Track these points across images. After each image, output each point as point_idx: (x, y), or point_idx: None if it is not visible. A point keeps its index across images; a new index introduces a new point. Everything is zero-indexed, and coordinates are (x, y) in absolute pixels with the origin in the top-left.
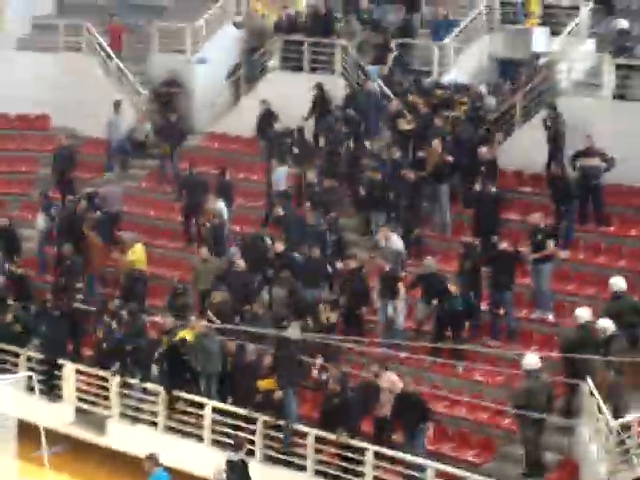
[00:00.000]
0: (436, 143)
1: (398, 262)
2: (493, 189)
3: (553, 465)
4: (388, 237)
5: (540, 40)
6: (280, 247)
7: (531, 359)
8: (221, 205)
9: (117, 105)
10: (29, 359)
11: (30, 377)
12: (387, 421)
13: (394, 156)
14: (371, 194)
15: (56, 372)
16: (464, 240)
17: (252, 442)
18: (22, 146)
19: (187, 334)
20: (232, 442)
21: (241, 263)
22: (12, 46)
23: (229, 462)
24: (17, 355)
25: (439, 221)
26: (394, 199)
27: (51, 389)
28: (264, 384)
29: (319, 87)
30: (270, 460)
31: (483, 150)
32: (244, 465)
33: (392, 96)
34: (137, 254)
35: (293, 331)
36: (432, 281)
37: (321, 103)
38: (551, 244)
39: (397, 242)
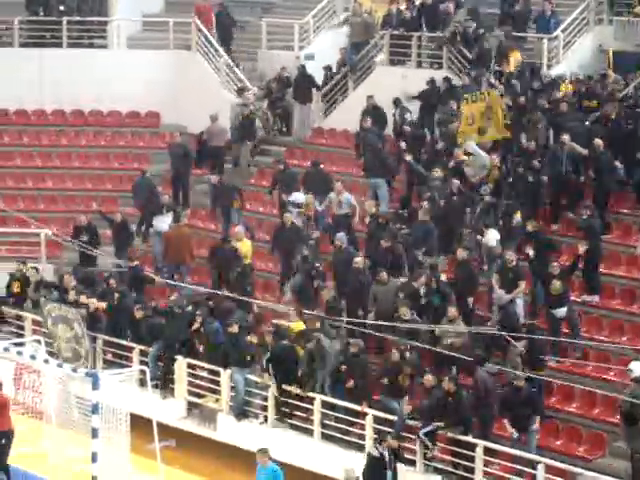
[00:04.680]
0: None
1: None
2: None
3: None
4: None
5: None
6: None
7: (638, 366)
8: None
9: (241, 91)
10: (142, 353)
11: (143, 372)
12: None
13: None
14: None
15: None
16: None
17: (362, 437)
18: (133, 143)
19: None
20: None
21: (359, 260)
22: (122, 44)
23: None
24: (130, 349)
25: None
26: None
27: (166, 384)
28: None
29: (432, 82)
30: None
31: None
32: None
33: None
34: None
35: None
36: None
37: (429, 98)
38: None
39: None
